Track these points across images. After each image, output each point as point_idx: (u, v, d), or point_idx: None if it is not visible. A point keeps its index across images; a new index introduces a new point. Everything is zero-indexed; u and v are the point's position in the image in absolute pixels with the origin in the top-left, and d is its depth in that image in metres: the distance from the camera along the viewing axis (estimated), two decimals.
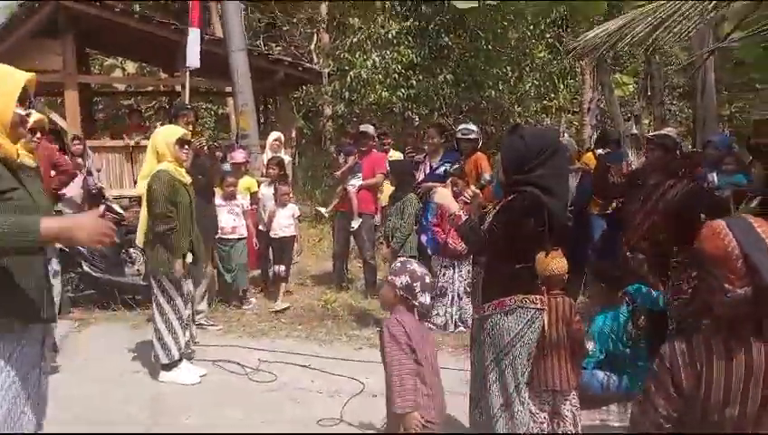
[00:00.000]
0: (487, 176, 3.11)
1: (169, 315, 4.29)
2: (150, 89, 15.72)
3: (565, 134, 9.95)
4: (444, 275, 5.60)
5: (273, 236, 6.43)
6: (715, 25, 6.30)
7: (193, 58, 7.19)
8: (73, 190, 7.52)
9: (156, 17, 8.64)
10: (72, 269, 6.17)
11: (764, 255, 1.58)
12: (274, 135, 7.65)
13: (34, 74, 2.21)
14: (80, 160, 7.47)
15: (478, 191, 2.92)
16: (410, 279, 2.82)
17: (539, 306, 2.95)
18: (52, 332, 2.31)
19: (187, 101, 7.36)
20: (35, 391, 2.16)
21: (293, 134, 16.29)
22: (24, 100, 2.12)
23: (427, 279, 2.87)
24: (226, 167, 7.07)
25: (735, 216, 3.55)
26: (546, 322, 3.14)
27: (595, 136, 13.43)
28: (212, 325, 5.63)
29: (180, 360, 4.40)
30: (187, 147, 4.33)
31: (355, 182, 6.70)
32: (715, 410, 1.64)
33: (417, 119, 12.71)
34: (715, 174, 5.48)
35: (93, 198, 7.48)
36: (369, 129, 7.08)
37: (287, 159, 7.79)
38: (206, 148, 5.00)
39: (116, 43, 11.22)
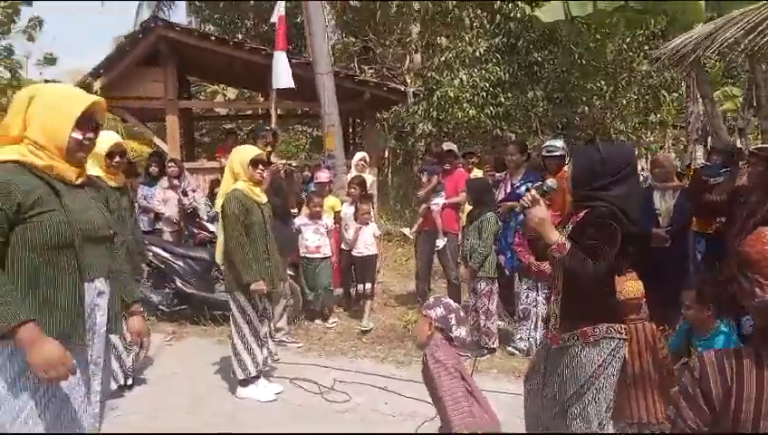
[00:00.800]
0: (549, 182, 2.88)
1: (245, 332, 4.37)
2: (249, 112, 16.42)
3: (662, 150, 9.39)
4: (527, 297, 5.39)
5: (355, 254, 6.46)
6: None
7: (280, 79, 7.42)
8: (170, 210, 7.96)
9: (249, 43, 9.03)
10: (166, 285, 6.50)
11: None
12: (359, 155, 7.73)
13: (101, 99, 2.30)
14: (176, 182, 7.87)
15: (538, 196, 2.74)
16: (445, 311, 2.76)
17: (623, 336, 2.70)
18: (102, 352, 2.35)
19: (273, 123, 7.59)
20: (84, 409, 2.20)
21: (386, 154, 16.53)
22: (85, 124, 2.19)
23: (462, 313, 2.81)
24: (312, 187, 7.24)
25: None
26: (627, 351, 2.91)
27: (699, 151, 12.64)
28: (293, 343, 5.70)
29: (258, 377, 4.46)
30: (261, 167, 4.42)
31: (438, 201, 6.63)
32: (747, 423, 1.57)
33: (512, 137, 12.49)
34: None
35: (189, 217, 7.85)
36: (452, 147, 6.99)
37: (370, 178, 7.83)
38: (283, 170, 5.08)
39: (214, 70, 11.84)
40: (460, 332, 2.78)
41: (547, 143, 6.02)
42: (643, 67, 12.43)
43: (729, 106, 14.57)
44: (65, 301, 2.11)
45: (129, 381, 4.52)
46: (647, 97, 12.72)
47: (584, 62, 12.09)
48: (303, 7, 8.94)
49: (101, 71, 8.65)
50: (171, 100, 9.07)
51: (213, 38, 8.80)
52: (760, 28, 3.09)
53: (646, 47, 11.85)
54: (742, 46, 3.26)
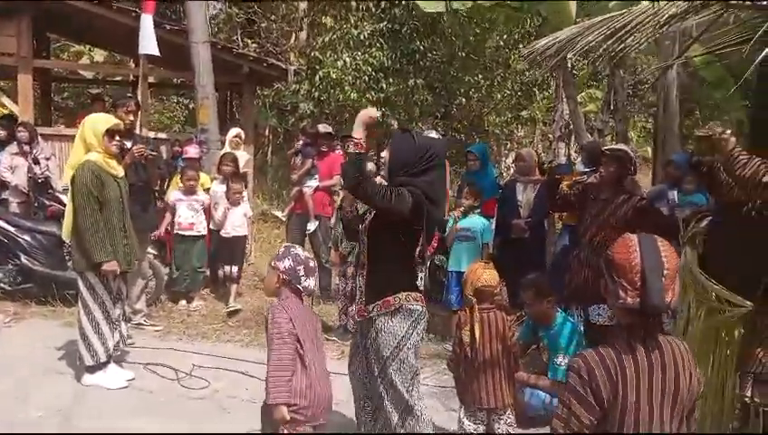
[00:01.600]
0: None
1: (96, 314, 4.07)
2: (119, 78, 15.32)
3: (531, 145, 9.90)
4: None
5: (223, 235, 6.22)
6: (683, 42, 6.28)
7: (147, 45, 6.95)
8: (19, 179, 7.26)
9: (115, 2, 8.34)
10: (9, 261, 5.92)
11: (658, 277, 1.70)
12: (234, 131, 7.45)
13: None
14: (26, 148, 7.18)
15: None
16: (293, 262, 2.74)
17: (422, 305, 2.93)
18: None
19: (141, 92, 7.12)
20: None
21: (266, 132, 16.10)
22: None
23: (311, 263, 2.81)
24: (180, 162, 6.87)
25: (684, 235, 3.51)
26: (478, 338, 3.03)
27: (562, 148, 13.47)
28: (151, 326, 5.41)
29: (107, 362, 4.17)
30: (118, 138, 4.11)
31: (312, 184, 6.54)
32: (632, 414, 1.72)
33: (393, 123, 12.60)
34: (675, 193, 5.45)
35: (40, 187, 7.19)
36: (328, 129, 6.92)
37: (245, 156, 7.58)
38: (146, 154, 4.75)
39: (78, 29, 10.88)
40: (308, 283, 2.77)
41: (424, 133, 6.12)
42: (519, 65, 13.00)
43: (592, 108, 15.64)
44: None
45: None
46: (520, 94, 13.34)
47: (464, 54, 12.43)
48: None
49: None
50: (25, 57, 8.20)
51: None
52: (618, 35, 3.28)
53: (521, 45, 12.40)
54: (600, 51, 3.45)
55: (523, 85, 13.41)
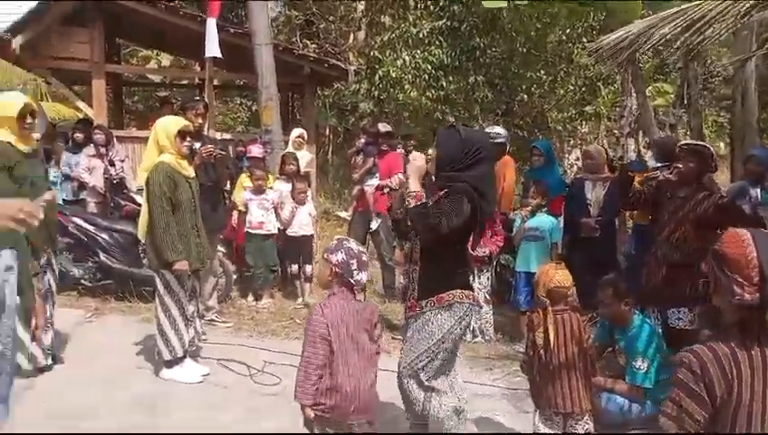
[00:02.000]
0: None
1: (172, 311, 4.21)
2: (185, 82, 15.82)
3: (596, 142, 9.64)
4: None
5: (290, 234, 6.33)
6: (760, 33, 5.98)
7: (212, 49, 7.13)
8: (96, 180, 7.58)
9: (182, 8, 8.60)
10: (89, 258, 6.20)
11: None
12: (297, 132, 7.56)
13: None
14: (102, 150, 7.50)
15: (404, 179, 2.99)
16: (346, 256, 2.72)
17: (473, 302, 3.01)
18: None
19: (207, 94, 7.31)
20: None
21: (326, 132, 16.29)
22: None
23: (364, 257, 2.79)
24: (245, 162, 7.04)
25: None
26: (553, 340, 2.98)
27: (631, 144, 13.06)
28: (223, 322, 5.56)
29: (184, 357, 4.31)
30: (189, 139, 4.23)
31: (373, 182, 6.58)
32: (744, 414, 1.68)
33: (452, 120, 12.52)
34: (758, 190, 5.21)
35: (115, 187, 7.50)
36: (388, 127, 6.94)
37: (308, 156, 7.69)
38: (216, 154, 4.90)
39: (147, 34, 11.28)
40: (361, 277, 2.76)
41: (489, 130, 6.06)
42: (582, 59, 12.68)
43: (660, 102, 15.11)
44: None
45: (50, 361, 4.27)
46: (583, 89, 13.00)
47: (525, 50, 12.22)
48: None
49: (20, 27, 8.05)
50: (98, 62, 8.56)
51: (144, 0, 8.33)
52: (696, 26, 3.15)
53: (584, 39, 12.10)
54: (678, 44, 3.32)
55: (586, 80, 13.06)
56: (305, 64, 9.52)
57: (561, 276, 3.13)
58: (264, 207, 6.23)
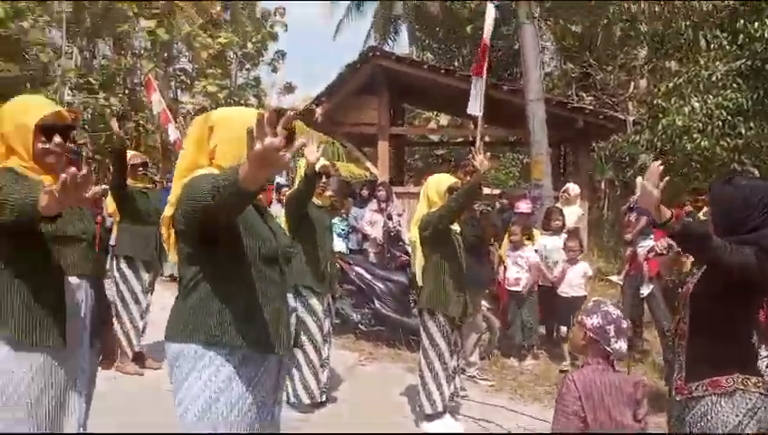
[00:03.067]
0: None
1: (435, 364, 4.26)
2: (461, 139, 16.57)
3: None
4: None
5: (561, 294, 6.04)
6: None
7: (473, 107, 7.31)
8: (377, 232, 8.25)
9: (460, 71, 9.06)
10: (366, 305, 6.71)
11: None
12: (569, 187, 7.29)
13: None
14: (383, 205, 8.15)
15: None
16: (603, 320, 2.41)
17: (762, 391, 2.32)
18: (288, 364, 2.34)
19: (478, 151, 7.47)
20: (269, 421, 2.20)
21: (602, 186, 15.54)
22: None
23: (623, 324, 2.44)
24: (512, 217, 6.98)
25: None
26: None
27: None
28: (484, 380, 5.47)
29: (444, 412, 4.32)
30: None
31: (647, 244, 5.95)
32: None
33: (754, 172, 10.92)
34: None
35: (392, 239, 8.07)
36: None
37: (578, 211, 7.33)
38: (482, 209, 4.97)
39: (427, 97, 12.12)
40: (618, 345, 2.45)
41: None
42: None
43: None
44: (270, 312, 2.13)
45: (323, 398, 4.66)
46: None
47: None
48: (518, 34, 8.74)
49: (323, 99, 9.32)
50: (383, 126, 9.45)
51: (425, 66, 9.00)
52: None
53: None
54: None
55: None
56: (579, 117, 9.23)
57: None
58: (518, 264, 6.08)
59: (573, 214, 6.78)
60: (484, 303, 5.92)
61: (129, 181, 5.00)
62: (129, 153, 5.05)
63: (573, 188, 7.29)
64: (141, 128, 17.20)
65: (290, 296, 2.31)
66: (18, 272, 2.15)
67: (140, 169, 5.27)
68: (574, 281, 6.00)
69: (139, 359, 5.21)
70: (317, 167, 4.32)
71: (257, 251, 2.10)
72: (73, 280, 2.29)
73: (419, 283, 4.45)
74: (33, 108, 2.28)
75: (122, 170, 4.79)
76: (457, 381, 4.53)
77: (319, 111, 9.18)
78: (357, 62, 8.91)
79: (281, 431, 2.32)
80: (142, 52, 18.74)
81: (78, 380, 2.30)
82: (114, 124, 4.89)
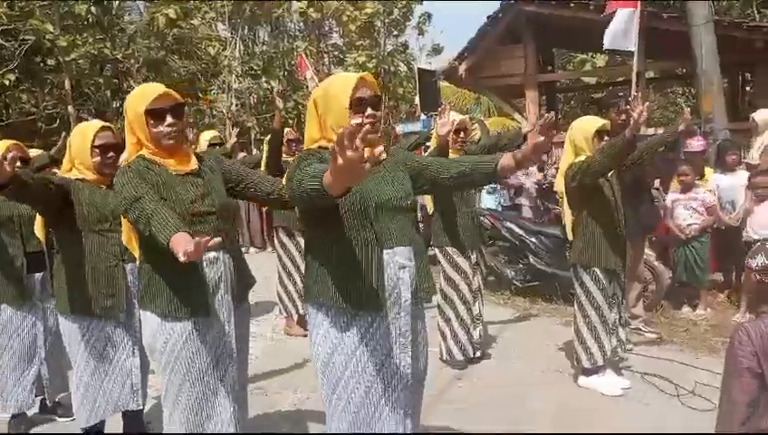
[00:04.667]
0: None
1: (592, 318, 4.06)
2: (621, 79, 15.33)
3: None
4: None
5: (747, 237, 5.40)
6: None
7: (621, 41, 6.66)
8: (530, 183, 8.00)
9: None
10: (520, 261, 6.57)
11: None
12: (755, 115, 6.37)
13: (364, 74, 2.26)
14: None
15: None
16: None
17: None
18: (409, 326, 2.38)
19: (634, 89, 6.87)
20: (396, 376, 2.28)
21: None
22: (360, 107, 2.19)
23: None
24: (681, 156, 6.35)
25: None
26: None
27: None
28: (651, 332, 5.12)
29: (604, 366, 4.12)
30: (606, 138, 3.99)
31: None
32: None
33: None
34: None
35: (545, 192, 7.77)
36: None
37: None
38: None
39: (578, 39, 11.34)
40: None
41: None
42: None
43: None
44: (367, 273, 2.20)
45: (477, 354, 4.67)
46: None
47: None
48: None
49: (465, 54, 9.10)
50: (530, 74, 9.02)
51: (572, 4, 8.38)
52: None
53: None
54: None
55: None
56: (758, 37, 8.08)
57: None
58: (690, 208, 5.53)
59: (761, 144, 5.96)
60: (648, 251, 5.51)
61: (285, 156, 5.27)
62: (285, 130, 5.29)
63: (761, 113, 6.35)
64: (300, 106, 18.12)
65: (406, 253, 2.31)
66: (158, 253, 2.34)
67: (295, 144, 5.53)
68: (763, 221, 5.32)
69: (303, 322, 5.58)
70: (456, 121, 4.29)
71: (344, 211, 2.19)
72: (211, 254, 2.45)
73: (569, 237, 4.24)
74: (141, 95, 2.44)
75: (278, 148, 5.00)
76: (621, 333, 4.26)
77: (462, 67, 9.00)
78: (497, 12, 8.54)
79: (415, 385, 2.38)
80: (297, 33, 19.63)
81: (227, 341, 2.52)
82: (279, 102, 5.15)
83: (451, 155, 4.47)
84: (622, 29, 6.64)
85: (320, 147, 2.26)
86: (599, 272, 3.99)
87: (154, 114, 2.40)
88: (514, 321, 5.79)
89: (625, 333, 4.41)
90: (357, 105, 2.19)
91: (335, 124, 2.21)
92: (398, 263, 2.26)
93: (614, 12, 6.68)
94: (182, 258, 1.92)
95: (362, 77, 2.23)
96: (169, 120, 2.41)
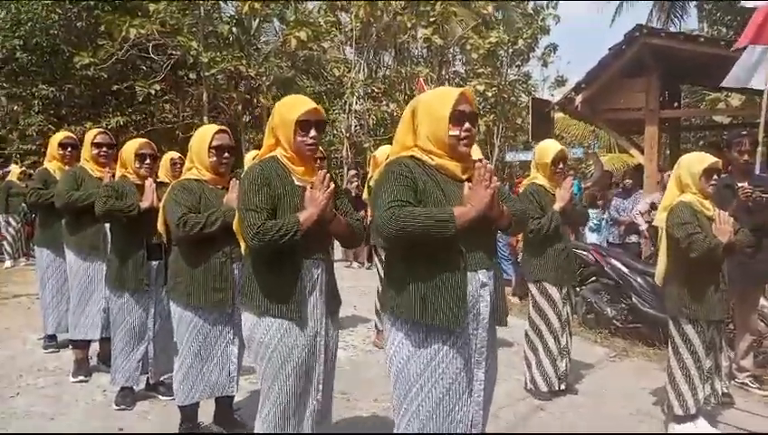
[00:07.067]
0: None
1: (687, 363, 3.86)
2: (758, 121, 14.29)
3: None
4: None
5: None
6: None
7: (742, 77, 6.22)
8: (641, 220, 7.69)
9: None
10: (622, 300, 6.31)
11: None
12: None
13: (465, 89, 2.36)
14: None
15: None
16: None
17: None
18: (486, 342, 2.44)
19: (763, 129, 6.42)
20: (465, 397, 2.36)
21: None
22: (459, 120, 2.30)
23: None
24: None
25: None
26: None
27: None
28: (758, 389, 4.75)
29: (696, 415, 3.89)
30: (716, 177, 3.80)
31: None
32: None
33: None
34: None
35: (655, 231, 7.41)
36: None
37: None
38: (755, 195, 4.32)
39: (708, 75, 10.74)
40: None
41: None
42: None
43: None
44: (450, 290, 2.27)
45: (562, 386, 4.55)
46: None
47: None
48: None
49: (583, 85, 8.90)
50: (652, 109, 8.65)
51: (702, 39, 7.97)
52: None
53: None
54: None
55: None
56: None
57: None
58: None
59: None
60: (763, 301, 5.12)
61: None
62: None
63: None
64: None
65: (486, 273, 2.37)
66: (265, 257, 2.60)
67: None
68: None
69: None
70: (552, 155, 4.32)
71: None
72: (310, 262, 2.66)
73: (658, 283, 4.06)
74: (295, 105, 2.66)
75: None
76: (717, 384, 4.01)
77: (579, 98, 8.81)
78: (621, 44, 8.28)
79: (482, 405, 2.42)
80: (420, 59, 20.06)
81: (318, 344, 2.69)
82: None
83: (549, 186, 4.47)
84: (750, 67, 6.24)
85: (412, 156, 2.38)
86: (695, 322, 3.80)
87: (302, 125, 2.61)
88: (609, 360, 5.57)
89: (721, 384, 4.14)
90: (457, 118, 2.30)
91: (431, 134, 2.33)
92: (479, 281, 2.34)
93: (744, 48, 6.28)
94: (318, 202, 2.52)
95: (464, 92, 2.35)
96: (313, 132, 2.63)
